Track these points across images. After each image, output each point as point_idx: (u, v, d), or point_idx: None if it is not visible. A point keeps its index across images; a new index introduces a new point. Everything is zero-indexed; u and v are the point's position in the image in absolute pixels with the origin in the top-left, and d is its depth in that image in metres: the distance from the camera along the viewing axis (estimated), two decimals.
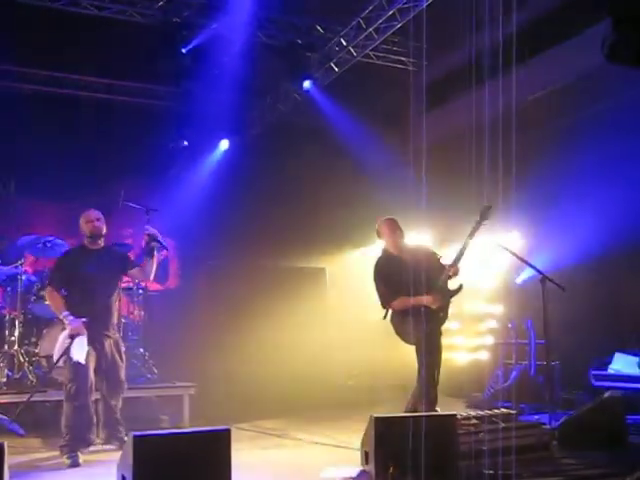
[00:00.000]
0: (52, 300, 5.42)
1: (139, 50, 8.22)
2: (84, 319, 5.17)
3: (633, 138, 6.82)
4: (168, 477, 3.64)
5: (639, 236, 6.86)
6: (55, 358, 5.21)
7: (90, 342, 5.20)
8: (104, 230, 5.53)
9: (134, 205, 5.83)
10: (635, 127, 6.75)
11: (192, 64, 8.14)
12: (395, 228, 5.67)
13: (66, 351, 5.11)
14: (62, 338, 5.19)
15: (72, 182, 8.36)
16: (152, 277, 5.72)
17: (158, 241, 5.48)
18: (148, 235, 5.47)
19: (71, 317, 5.18)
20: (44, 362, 6.58)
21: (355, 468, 4.60)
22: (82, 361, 5.09)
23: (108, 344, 5.43)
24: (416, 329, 5.31)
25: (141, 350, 7.33)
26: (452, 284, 5.51)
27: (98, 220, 5.49)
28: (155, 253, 5.50)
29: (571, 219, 7.12)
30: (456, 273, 5.40)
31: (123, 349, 5.66)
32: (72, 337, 5.10)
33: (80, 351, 5.09)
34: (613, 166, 6.90)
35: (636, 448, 5.25)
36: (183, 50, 8.11)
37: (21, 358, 6.64)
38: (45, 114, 8.46)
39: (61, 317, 5.27)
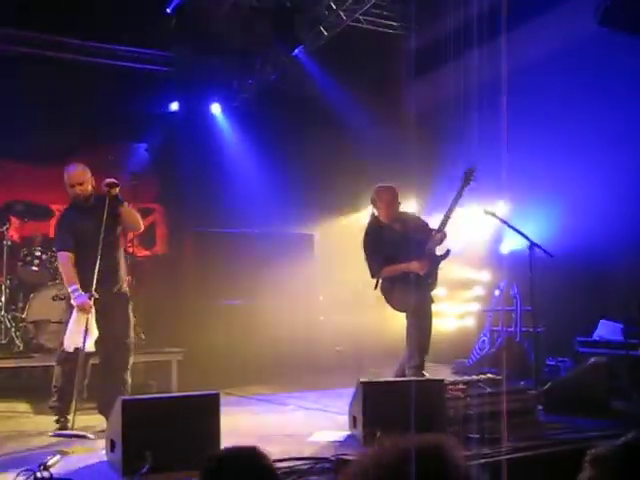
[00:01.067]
0: (66, 268, 5.06)
1: (124, 12, 8.02)
2: (89, 294, 4.91)
3: (625, 108, 6.78)
4: (157, 442, 3.66)
5: (625, 206, 6.87)
6: (66, 344, 4.93)
7: (99, 307, 4.99)
8: (89, 191, 5.17)
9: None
10: (632, 95, 6.69)
11: (178, 27, 7.98)
12: (396, 198, 5.56)
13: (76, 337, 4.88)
14: (72, 324, 4.91)
15: (55, 145, 8.20)
16: (141, 224, 5.49)
17: (115, 184, 5.08)
18: (108, 185, 5.06)
19: (78, 292, 4.92)
20: (31, 328, 6.56)
21: (343, 433, 4.65)
22: (92, 349, 4.96)
23: (116, 302, 5.20)
24: (405, 296, 5.32)
25: None
26: (439, 249, 5.51)
27: (80, 185, 5.12)
28: (124, 202, 5.18)
29: (557, 189, 7.12)
30: (443, 238, 5.38)
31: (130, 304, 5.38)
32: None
33: (91, 341, 4.93)
34: (605, 134, 6.87)
35: (620, 413, 5.33)
36: (167, 10, 7.95)
37: (8, 324, 6.62)
38: (30, 78, 8.29)
39: (69, 290, 4.99)
